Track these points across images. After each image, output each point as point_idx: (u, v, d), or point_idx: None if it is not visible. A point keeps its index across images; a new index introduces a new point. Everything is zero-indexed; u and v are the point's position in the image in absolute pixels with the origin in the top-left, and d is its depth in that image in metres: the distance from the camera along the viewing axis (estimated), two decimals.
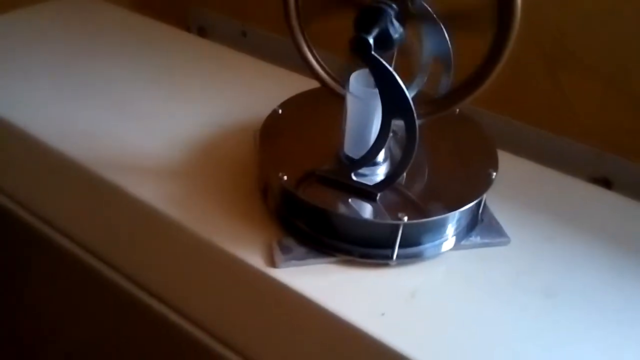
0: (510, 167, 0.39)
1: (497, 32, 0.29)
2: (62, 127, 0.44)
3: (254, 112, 0.45)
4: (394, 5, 0.29)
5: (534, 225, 0.37)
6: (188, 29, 0.83)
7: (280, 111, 0.40)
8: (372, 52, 0.27)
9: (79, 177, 0.42)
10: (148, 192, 0.39)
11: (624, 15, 0.49)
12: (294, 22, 0.33)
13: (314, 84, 0.39)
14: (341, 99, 0.34)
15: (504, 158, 0.39)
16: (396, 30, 0.30)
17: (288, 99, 0.41)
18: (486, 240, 0.35)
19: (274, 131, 0.39)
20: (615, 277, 0.35)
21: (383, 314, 0.31)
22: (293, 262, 0.33)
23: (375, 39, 0.28)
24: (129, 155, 0.42)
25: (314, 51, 0.34)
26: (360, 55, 0.27)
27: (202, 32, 0.83)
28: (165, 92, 0.50)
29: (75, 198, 0.45)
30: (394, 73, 0.28)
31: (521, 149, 0.49)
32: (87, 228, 0.46)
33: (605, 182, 0.57)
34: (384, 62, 0.27)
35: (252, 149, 0.42)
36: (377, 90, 0.29)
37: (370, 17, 0.28)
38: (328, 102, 0.37)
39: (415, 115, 0.28)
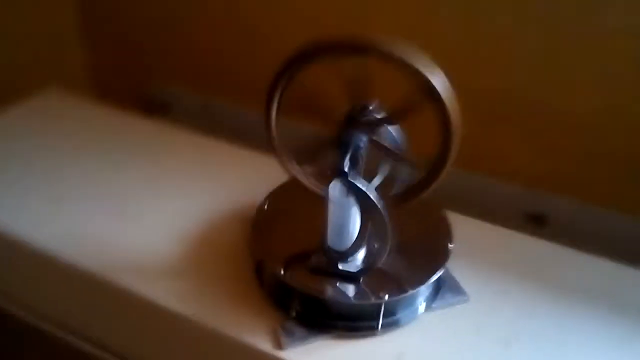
0: (462, 229, 0.47)
1: (440, 147, 0.37)
2: (47, 229, 0.49)
3: (240, 198, 0.51)
4: (359, 128, 0.37)
5: (489, 280, 0.45)
6: (150, 105, 0.88)
7: (267, 203, 0.46)
8: (349, 178, 0.34)
9: (73, 278, 0.47)
10: (148, 289, 0.44)
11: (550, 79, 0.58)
12: (277, 142, 0.39)
13: None
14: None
15: (456, 220, 0.46)
16: (363, 146, 0.37)
17: (274, 190, 0.48)
18: (450, 301, 0.43)
19: (263, 222, 0.45)
20: (564, 321, 0.43)
21: None
22: (297, 342, 0.39)
23: (349, 162, 0.35)
24: (123, 254, 0.47)
25: (294, 162, 0.41)
26: (340, 180, 0.34)
27: (164, 107, 0.88)
28: (151, 187, 0.55)
29: (76, 298, 0.49)
30: (367, 191, 0.35)
31: (467, 197, 0.57)
32: (90, 323, 0.50)
33: (541, 218, 0.66)
34: (359, 185, 0.35)
35: (245, 236, 0.48)
36: (353, 199, 0.36)
37: (342, 148, 0.36)
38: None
39: (387, 221, 0.35)
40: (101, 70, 0.89)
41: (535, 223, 0.66)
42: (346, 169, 0.34)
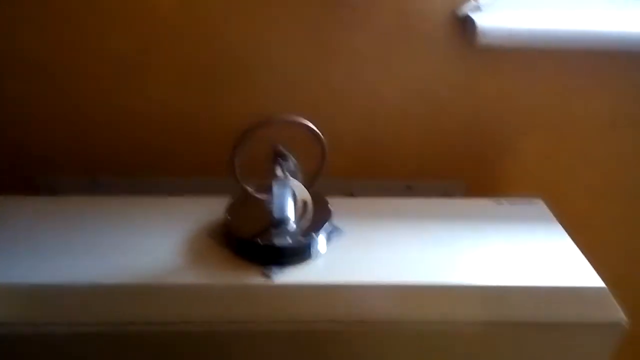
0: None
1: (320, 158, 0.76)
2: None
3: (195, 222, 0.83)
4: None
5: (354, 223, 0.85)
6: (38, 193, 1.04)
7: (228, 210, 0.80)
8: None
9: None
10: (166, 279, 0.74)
11: None
12: (238, 173, 0.75)
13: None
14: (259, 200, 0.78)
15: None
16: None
17: (228, 206, 0.81)
18: (336, 237, 0.82)
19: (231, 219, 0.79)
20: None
21: None
22: (277, 271, 0.74)
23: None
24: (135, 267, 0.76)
25: (246, 185, 0.77)
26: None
27: (53, 192, 1.05)
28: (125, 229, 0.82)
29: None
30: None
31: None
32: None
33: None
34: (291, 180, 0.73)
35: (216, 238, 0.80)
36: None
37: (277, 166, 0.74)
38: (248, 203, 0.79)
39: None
40: None
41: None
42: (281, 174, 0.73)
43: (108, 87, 0.96)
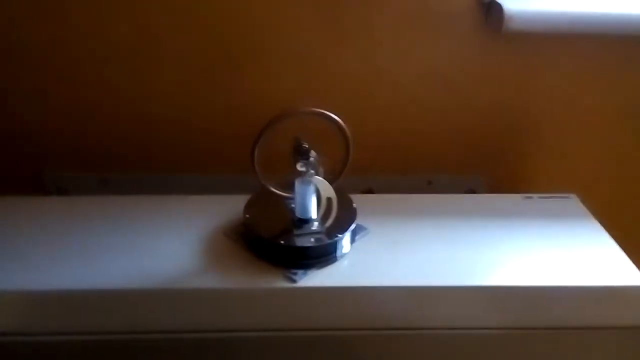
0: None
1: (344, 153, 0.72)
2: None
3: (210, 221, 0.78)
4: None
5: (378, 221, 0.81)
6: (45, 191, 1.02)
7: (247, 210, 0.76)
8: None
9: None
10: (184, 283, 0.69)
11: None
12: (258, 168, 0.70)
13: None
14: (280, 198, 0.73)
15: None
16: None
17: (247, 204, 0.77)
18: (360, 236, 0.78)
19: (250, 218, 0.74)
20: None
21: None
22: (301, 275, 0.70)
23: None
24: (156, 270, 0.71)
25: (267, 182, 0.72)
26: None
27: (61, 190, 1.03)
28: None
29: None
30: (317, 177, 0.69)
31: None
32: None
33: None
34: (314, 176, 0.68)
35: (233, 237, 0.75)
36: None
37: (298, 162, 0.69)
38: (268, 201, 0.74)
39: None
40: None
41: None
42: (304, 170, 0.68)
43: (117, 81, 0.92)
